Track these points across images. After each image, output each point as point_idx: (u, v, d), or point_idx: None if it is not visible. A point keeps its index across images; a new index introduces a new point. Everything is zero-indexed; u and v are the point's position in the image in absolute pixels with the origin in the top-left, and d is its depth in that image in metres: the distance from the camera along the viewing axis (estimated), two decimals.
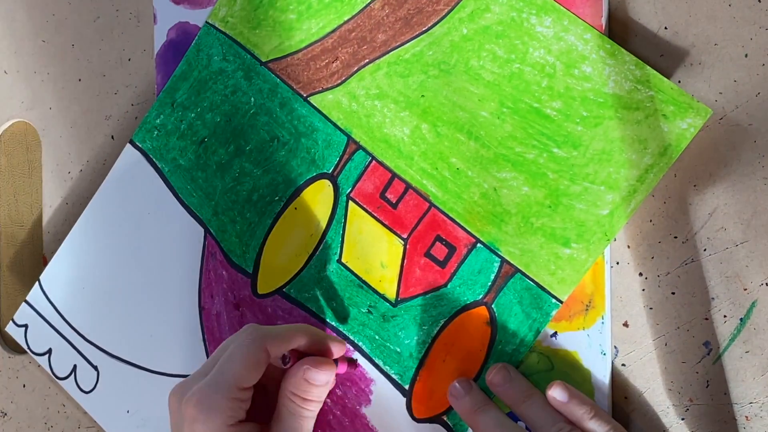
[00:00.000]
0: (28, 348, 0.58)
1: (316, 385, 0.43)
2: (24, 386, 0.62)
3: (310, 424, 0.43)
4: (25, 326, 0.58)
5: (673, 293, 0.42)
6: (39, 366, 0.61)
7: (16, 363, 0.62)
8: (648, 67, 0.41)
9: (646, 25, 0.43)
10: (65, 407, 0.60)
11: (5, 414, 0.63)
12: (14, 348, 0.62)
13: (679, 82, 0.42)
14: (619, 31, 0.43)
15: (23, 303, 0.58)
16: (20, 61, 0.62)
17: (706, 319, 0.42)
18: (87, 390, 0.56)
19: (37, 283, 0.58)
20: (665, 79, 0.41)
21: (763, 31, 0.40)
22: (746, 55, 0.41)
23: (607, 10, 0.43)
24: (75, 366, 0.57)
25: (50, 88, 0.61)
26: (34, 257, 0.62)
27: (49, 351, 0.58)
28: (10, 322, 0.59)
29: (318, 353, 0.45)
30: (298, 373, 0.42)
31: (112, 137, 0.58)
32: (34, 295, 0.58)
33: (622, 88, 0.42)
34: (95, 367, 0.56)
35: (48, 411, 0.61)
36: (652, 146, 0.41)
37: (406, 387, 0.47)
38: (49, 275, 0.58)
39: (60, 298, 0.57)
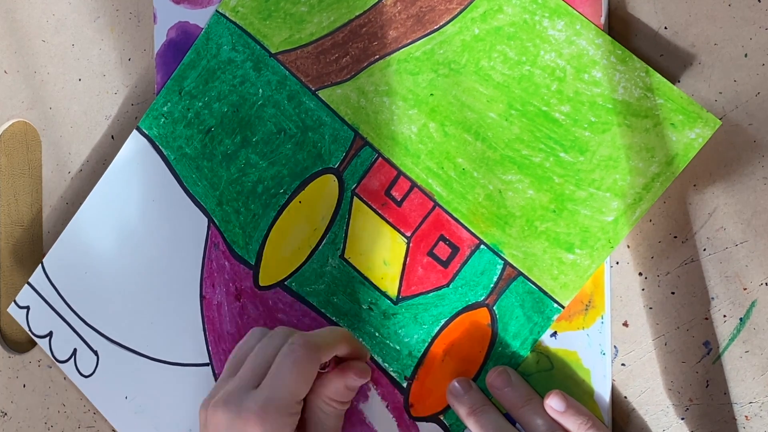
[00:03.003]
0: (29, 330, 0.58)
1: (354, 390, 0.45)
2: (24, 386, 0.62)
3: (341, 422, 0.45)
4: (27, 308, 0.59)
5: (672, 293, 0.42)
6: (39, 366, 0.61)
7: (16, 363, 0.62)
8: (658, 75, 0.41)
9: (646, 25, 0.43)
10: (65, 407, 0.60)
11: (5, 414, 0.63)
12: (14, 348, 0.62)
13: (679, 82, 0.42)
14: (619, 30, 0.43)
15: (26, 285, 0.59)
16: (20, 61, 0.62)
17: (706, 318, 0.42)
18: (86, 374, 0.56)
19: (40, 265, 0.58)
20: (675, 87, 0.41)
21: (763, 31, 0.40)
22: (746, 55, 0.41)
23: (606, 9, 0.43)
24: (75, 350, 0.57)
25: (50, 88, 0.61)
26: (34, 257, 0.62)
27: (50, 334, 0.58)
28: (12, 303, 0.59)
29: (350, 357, 0.46)
30: (339, 381, 0.44)
31: (112, 137, 0.58)
32: (37, 277, 0.58)
33: (631, 95, 0.42)
34: (95, 352, 0.56)
35: (48, 411, 0.61)
36: (660, 155, 0.41)
37: (405, 385, 0.47)
38: (52, 258, 0.58)
39: (62, 281, 0.57)
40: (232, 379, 0.42)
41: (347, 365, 0.45)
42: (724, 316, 0.41)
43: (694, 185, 0.42)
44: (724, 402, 0.41)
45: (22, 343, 0.62)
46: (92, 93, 0.59)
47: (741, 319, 0.41)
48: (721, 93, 0.41)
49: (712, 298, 0.41)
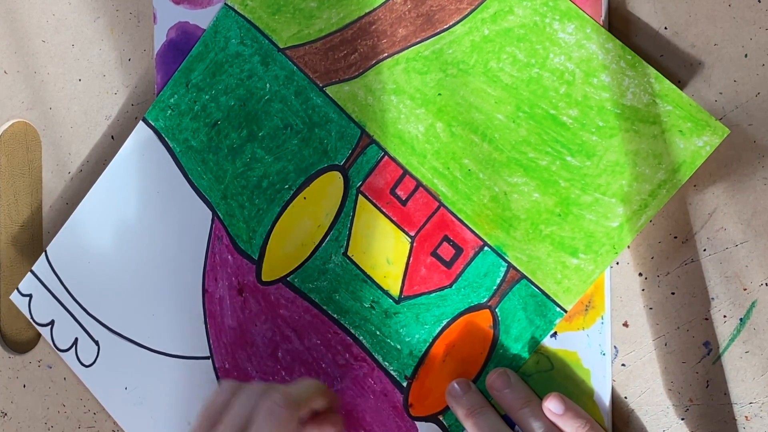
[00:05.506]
0: (31, 318, 0.58)
1: None
2: (24, 386, 0.62)
3: None
4: (29, 296, 0.59)
5: (672, 293, 0.42)
6: (39, 366, 0.61)
7: (16, 363, 0.62)
8: (667, 81, 0.41)
9: (647, 25, 0.43)
10: (65, 407, 0.60)
11: (5, 414, 0.63)
12: (14, 348, 0.62)
13: (679, 82, 0.42)
14: (619, 30, 0.43)
15: (29, 273, 0.59)
16: (20, 61, 0.62)
17: (706, 319, 0.42)
18: (87, 364, 0.57)
19: (43, 254, 0.58)
20: (683, 94, 0.41)
21: (763, 31, 0.40)
22: (746, 55, 0.41)
23: (606, 9, 0.43)
24: (76, 339, 0.57)
25: (50, 88, 0.61)
26: (33, 257, 0.62)
27: (52, 322, 0.58)
28: (15, 291, 0.59)
29: (324, 408, 0.46)
30: None
31: (112, 137, 0.58)
32: (40, 265, 0.58)
33: (640, 101, 0.42)
34: (96, 342, 0.56)
35: (48, 411, 0.61)
36: (667, 162, 0.41)
37: (405, 384, 0.47)
38: (55, 247, 0.58)
39: (65, 270, 0.58)
40: None
41: (324, 418, 0.45)
42: (724, 316, 0.41)
43: (694, 185, 0.42)
44: (724, 402, 0.41)
45: (22, 344, 0.62)
46: (92, 93, 0.59)
47: (741, 319, 0.41)
48: (721, 93, 0.41)
49: (712, 299, 0.42)
